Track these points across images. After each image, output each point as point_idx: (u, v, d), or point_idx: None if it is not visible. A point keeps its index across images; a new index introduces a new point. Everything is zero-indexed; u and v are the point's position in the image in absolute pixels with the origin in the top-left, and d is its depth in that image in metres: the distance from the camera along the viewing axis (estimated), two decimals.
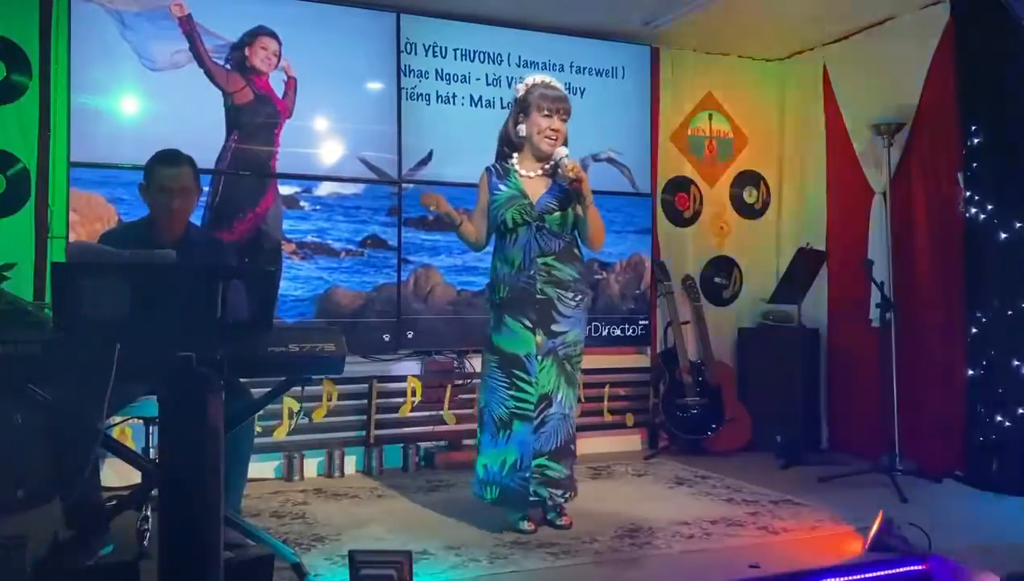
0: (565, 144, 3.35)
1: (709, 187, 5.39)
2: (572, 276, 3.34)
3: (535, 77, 3.39)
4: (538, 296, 3.28)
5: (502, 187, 3.36)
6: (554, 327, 3.29)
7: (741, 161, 5.48)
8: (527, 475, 3.24)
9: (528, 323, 3.28)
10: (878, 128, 4.48)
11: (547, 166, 3.37)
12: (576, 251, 3.40)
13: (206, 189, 4.08)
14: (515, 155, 3.42)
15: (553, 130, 3.31)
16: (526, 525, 3.28)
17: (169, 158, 3.06)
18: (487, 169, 3.45)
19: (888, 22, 4.69)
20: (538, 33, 4.85)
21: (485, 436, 3.34)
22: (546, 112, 3.30)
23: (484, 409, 3.36)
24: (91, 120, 3.92)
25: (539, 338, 3.27)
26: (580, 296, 3.36)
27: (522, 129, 3.37)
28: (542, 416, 3.26)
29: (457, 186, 4.43)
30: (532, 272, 3.29)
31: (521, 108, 3.37)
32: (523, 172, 3.38)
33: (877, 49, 4.76)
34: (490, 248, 3.55)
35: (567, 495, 3.34)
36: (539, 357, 3.26)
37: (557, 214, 3.32)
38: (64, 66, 3.91)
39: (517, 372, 3.27)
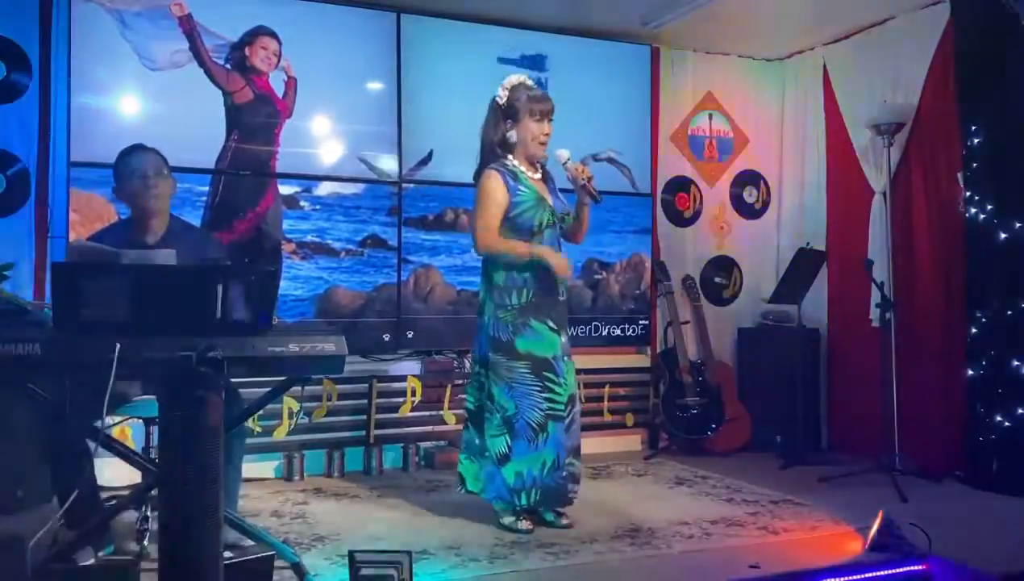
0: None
1: (709, 187, 5.39)
2: None
3: (512, 79, 3.38)
4: (560, 298, 3.33)
5: (522, 189, 3.31)
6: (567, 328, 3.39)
7: (741, 161, 5.48)
8: (564, 473, 3.28)
9: (553, 325, 3.30)
10: (878, 128, 4.47)
11: (540, 169, 3.42)
12: None
13: (206, 189, 4.08)
14: (509, 157, 3.38)
15: (545, 135, 3.35)
16: (523, 524, 3.28)
17: (133, 149, 3.12)
18: (497, 170, 3.30)
19: (888, 22, 4.70)
20: (538, 33, 4.84)
21: (520, 443, 3.24)
22: (537, 117, 3.32)
23: (515, 417, 3.25)
24: (91, 120, 3.92)
25: (563, 339, 3.33)
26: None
27: (512, 135, 3.35)
28: (571, 415, 3.31)
29: (457, 186, 4.44)
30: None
31: (508, 114, 3.35)
32: (529, 174, 3.39)
33: (877, 49, 4.76)
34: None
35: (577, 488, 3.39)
36: (565, 358, 3.32)
37: (571, 214, 3.40)
38: (64, 66, 3.91)
39: (547, 374, 3.27)
